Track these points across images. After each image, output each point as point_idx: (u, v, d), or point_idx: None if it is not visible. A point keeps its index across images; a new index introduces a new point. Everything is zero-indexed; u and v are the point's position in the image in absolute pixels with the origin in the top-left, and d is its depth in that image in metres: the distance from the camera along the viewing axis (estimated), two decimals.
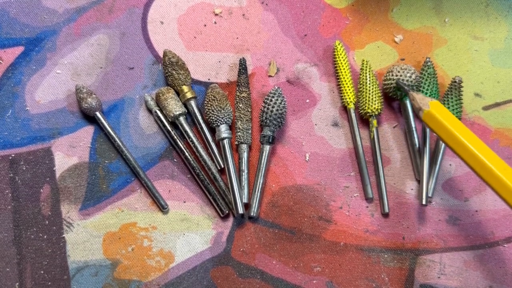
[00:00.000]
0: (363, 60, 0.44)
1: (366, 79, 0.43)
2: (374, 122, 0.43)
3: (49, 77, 0.44)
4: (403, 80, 0.42)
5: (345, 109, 0.45)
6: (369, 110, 0.43)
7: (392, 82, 0.43)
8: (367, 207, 0.43)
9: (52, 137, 0.43)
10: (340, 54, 0.44)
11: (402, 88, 0.41)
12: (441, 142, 0.43)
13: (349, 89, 0.43)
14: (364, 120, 0.45)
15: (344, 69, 0.44)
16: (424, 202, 0.42)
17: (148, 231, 0.42)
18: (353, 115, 0.43)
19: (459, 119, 0.43)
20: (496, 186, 0.35)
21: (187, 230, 0.42)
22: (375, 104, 0.43)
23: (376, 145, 0.43)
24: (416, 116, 0.40)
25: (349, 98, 0.43)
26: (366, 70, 0.44)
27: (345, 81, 0.44)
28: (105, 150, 0.43)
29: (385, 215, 0.43)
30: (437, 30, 0.46)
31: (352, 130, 0.44)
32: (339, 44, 0.44)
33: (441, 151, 0.43)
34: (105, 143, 0.43)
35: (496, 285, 0.42)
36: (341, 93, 0.44)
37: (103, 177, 0.43)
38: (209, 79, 0.45)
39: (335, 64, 0.45)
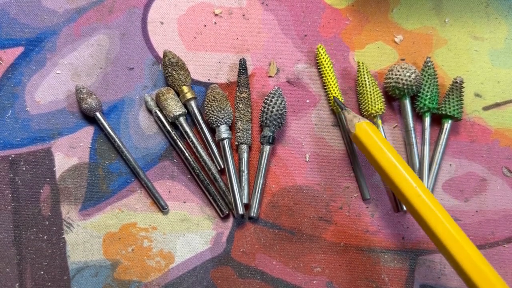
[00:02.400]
0: (359, 62, 0.44)
1: (365, 80, 0.43)
2: (379, 122, 0.43)
3: (49, 77, 0.44)
4: (402, 79, 0.42)
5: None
6: (373, 111, 0.43)
7: (392, 81, 0.43)
8: (367, 207, 0.43)
9: (52, 137, 0.43)
10: (323, 57, 0.44)
11: (338, 104, 0.41)
12: (440, 142, 0.43)
13: (335, 93, 0.43)
14: None
15: (328, 72, 0.44)
16: None
17: (148, 231, 0.42)
18: (342, 118, 0.43)
19: (460, 119, 0.43)
20: (410, 209, 0.36)
21: (187, 231, 0.42)
22: (378, 104, 0.43)
23: None
24: (348, 133, 0.40)
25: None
26: (363, 71, 0.44)
27: (331, 85, 0.43)
28: (105, 151, 0.43)
29: (405, 212, 0.43)
30: (437, 30, 0.46)
31: (344, 134, 0.44)
32: (320, 48, 0.44)
33: (441, 151, 0.43)
34: (105, 144, 0.43)
35: None
36: (328, 98, 0.44)
37: (103, 178, 0.43)
38: (209, 80, 0.45)
39: (319, 68, 0.44)
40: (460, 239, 0.34)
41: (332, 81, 0.43)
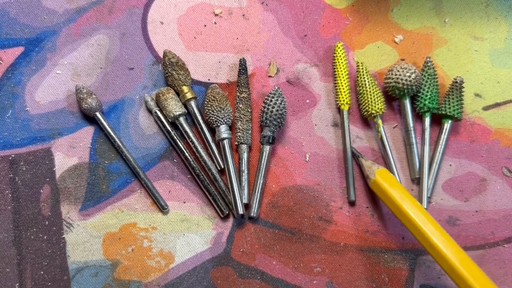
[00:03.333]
0: (358, 62, 0.44)
1: (365, 80, 0.43)
2: (380, 122, 0.43)
3: (49, 77, 0.44)
4: (402, 79, 0.42)
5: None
6: (373, 111, 0.43)
7: (392, 81, 0.43)
8: (367, 207, 0.43)
9: (52, 137, 0.43)
10: (339, 55, 0.44)
11: (354, 153, 0.43)
12: (440, 142, 0.43)
13: (344, 91, 0.43)
14: (364, 122, 0.45)
15: (341, 71, 0.44)
16: (424, 206, 0.42)
17: (148, 231, 0.42)
18: (345, 116, 0.43)
19: (460, 119, 0.43)
20: (436, 258, 0.36)
21: (187, 231, 0.42)
22: (378, 104, 0.43)
23: (386, 143, 0.43)
24: (366, 179, 0.41)
25: (344, 100, 0.43)
26: (362, 72, 0.44)
27: (341, 83, 0.44)
28: (105, 151, 0.43)
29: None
30: (437, 30, 0.46)
31: (343, 132, 0.44)
32: (339, 45, 0.44)
33: (441, 151, 0.43)
34: (105, 144, 0.43)
35: (497, 285, 0.42)
36: (337, 95, 0.44)
37: (103, 178, 0.43)
38: (209, 80, 0.45)
39: (334, 64, 0.45)
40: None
41: (344, 80, 0.43)
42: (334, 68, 0.44)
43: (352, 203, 0.43)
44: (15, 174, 0.42)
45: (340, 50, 0.44)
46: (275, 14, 0.46)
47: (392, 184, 0.39)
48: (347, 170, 0.43)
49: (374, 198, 0.43)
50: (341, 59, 0.44)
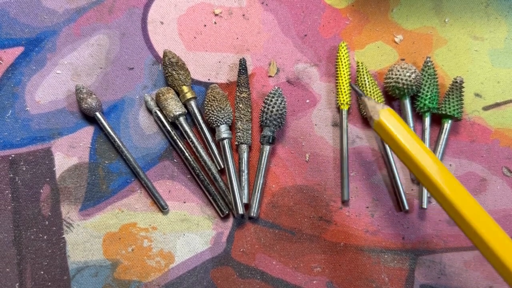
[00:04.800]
0: (358, 62, 0.44)
1: (365, 80, 0.43)
2: None
3: (49, 77, 0.44)
4: (402, 79, 0.42)
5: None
6: None
7: (392, 81, 0.43)
8: (367, 207, 0.43)
9: (52, 137, 0.43)
10: (343, 55, 0.44)
11: (355, 90, 0.38)
12: (440, 141, 0.43)
13: (345, 91, 0.43)
14: (364, 121, 0.45)
15: (343, 71, 0.44)
16: (425, 206, 0.42)
17: (148, 231, 0.42)
18: (344, 116, 0.43)
19: (460, 119, 0.43)
20: (441, 201, 0.33)
21: (187, 231, 0.42)
22: None
23: (385, 143, 0.43)
24: (370, 120, 0.37)
25: (343, 100, 0.43)
26: (362, 72, 0.44)
27: (343, 82, 0.44)
28: (105, 151, 0.43)
29: (405, 212, 0.43)
30: (437, 30, 0.46)
31: (341, 132, 0.44)
32: (343, 45, 0.44)
33: (441, 151, 0.43)
34: (105, 144, 0.43)
35: (497, 285, 0.42)
36: (337, 94, 0.44)
37: (103, 178, 0.43)
38: (209, 79, 0.45)
39: (336, 64, 0.45)
40: (493, 228, 0.32)
41: (345, 80, 0.43)
42: (337, 68, 0.44)
43: (345, 203, 0.43)
44: (15, 174, 0.42)
45: (344, 50, 0.44)
46: (275, 14, 0.46)
47: (397, 125, 0.35)
48: (343, 170, 0.43)
49: (374, 197, 0.43)
50: (344, 59, 0.44)
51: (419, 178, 0.34)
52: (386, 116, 0.35)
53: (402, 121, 0.35)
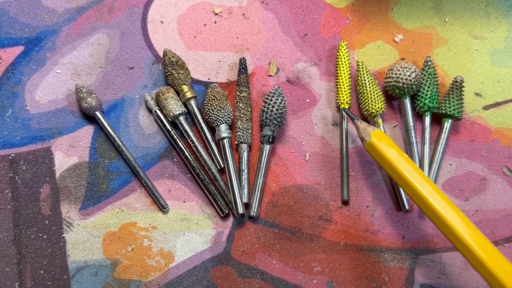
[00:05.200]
0: (358, 61, 0.44)
1: (365, 80, 0.43)
2: (380, 121, 0.43)
3: (49, 76, 0.44)
4: (402, 78, 0.42)
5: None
6: (373, 110, 0.43)
7: (392, 80, 0.43)
8: (367, 206, 0.43)
9: (52, 136, 0.43)
10: (343, 54, 0.44)
11: (348, 115, 0.41)
12: (440, 141, 0.43)
13: (345, 91, 0.43)
14: (364, 121, 0.45)
15: (343, 70, 0.44)
16: None
17: (148, 230, 0.42)
18: (344, 115, 0.43)
19: (460, 118, 0.43)
20: (434, 220, 0.35)
21: (187, 230, 0.42)
22: (378, 103, 0.43)
23: None
24: (362, 141, 0.39)
25: (343, 99, 0.43)
26: (362, 71, 0.44)
27: (343, 82, 0.44)
28: (105, 150, 0.43)
29: (405, 212, 0.43)
30: (437, 29, 0.46)
31: (341, 131, 0.44)
32: (343, 44, 0.44)
33: (441, 151, 0.43)
34: (105, 143, 0.43)
35: None
36: (337, 94, 0.44)
37: (103, 177, 0.43)
38: (209, 79, 0.45)
39: (336, 63, 0.45)
40: (481, 240, 0.34)
41: (345, 79, 0.43)
42: (337, 67, 0.44)
43: (345, 202, 0.43)
44: (15, 173, 0.42)
45: (344, 50, 0.44)
46: (275, 13, 0.46)
47: (388, 145, 0.37)
48: (343, 169, 0.43)
49: (374, 197, 0.43)
50: (344, 58, 0.44)
51: (410, 196, 0.36)
52: (377, 137, 0.38)
53: (392, 142, 0.38)
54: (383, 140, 0.38)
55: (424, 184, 0.35)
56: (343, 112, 0.42)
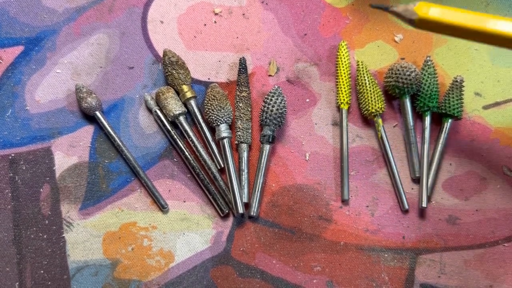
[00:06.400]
0: (358, 61, 0.44)
1: (365, 79, 0.43)
2: (380, 121, 0.43)
3: (49, 76, 0.44)
4: (402, 78, 0.42)
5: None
6: (373, 110, 0.43)
7: (392, 80, 0.43)
8: (367, 206, 0.43)
9: (52, 136, 0.43)
10: (343, 54, 0.44)
11: (379, 7, 0.37)
12: (440, 141, 0.43)
13: (345, 91, 0.43)
14: (364, 121, 0.45)
15: (343, 70, 0.44)
16: (424, 205, 0.42)
17: (148, 230, 0.42)
18: (344, 115, 0.43)
19: (460, 118, 0.43)
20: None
21: (187, 230, 0.42)
22: (378, 103, 0.43)
23: (386, 143, 0.43)
24: (411, 23, 0.35)
25: (343, 99, 0.43)
26: (362, 71, 0.44)
27: (343, 82, 0.44)
28: (105, 150, 0.43)
29: (405, 212, 0.43)
30: None
31: (341, 131, 0.44)
32: (343, 44, 0.44)
33: (441, 150, 0.43)
34: (105, 143, 0.43)
35: (497, 284, 0.42)
36: (337, 94, 0.44)
37: (103, 177, 0.43)
38: (209, 79, 0.45)
39: (336, 63, 0.45)
40: None
41: (345, 79, 0.43)
42: (337, 67, 0.44)
43: (345, 202, 0.43)
44: (15, 173, 0.42)
45: (344, 49, 0.44)
46: (275, 13, 0.46)
47: (439, 9, 0.34)
48: (343, 169, 0.43)
49: (374, 197, 0.43)
50: (344, 58, 0.44)
51: (486, 41, 0.33)
52: (422, 10, 0.34)
53: (436, 5, 0.34)
54: (429, 8, 0.34)
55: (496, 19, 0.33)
56: (374, 6, 0.37)
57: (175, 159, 0.43)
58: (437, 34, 0.46)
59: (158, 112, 0.43)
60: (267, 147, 0.42)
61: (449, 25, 0.34)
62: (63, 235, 0.42)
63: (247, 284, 0.42)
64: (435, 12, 0.34)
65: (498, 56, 0.46)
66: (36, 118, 0.43)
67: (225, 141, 0.42)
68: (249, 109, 0.43)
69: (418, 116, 0.44)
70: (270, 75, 0.45)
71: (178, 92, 0.43)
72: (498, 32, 0.33)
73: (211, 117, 0.42)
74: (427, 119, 0.43)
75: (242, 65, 0.44)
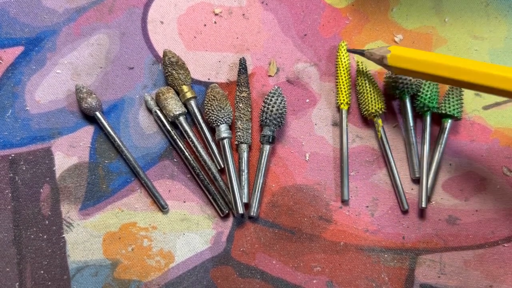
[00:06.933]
0: (358, 62, 0.44)
1: (365, 80, 0.43)
2: (380, 121, 0.43)
3: (49, 77, 0.44)
4: (402, 78, 0.42)
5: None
6: (373, 110, 0.43)
7: (391, 80, 0.43)
8: (367, 206, 0.43)
9: (52, 137, 0.43)
10: (342, 55, 0.44)
11: (356, 52, 0.41)
12: (440, 141, 0.43)
13: (345, 91, 0.43)
14: (364, 121, 0.45)
15: (343, 70, 0.44)
16: (424, 205, 0.42)
17: (148, 231, 0.42)
18: (344, 116, 0.43)
19: (460, 118, 0.43)
20: (484, 81, 0.34)
21: (187, 230, 0.42)
22: (378, 103, 0.43)
23: (386, 143, 0.43)
24: (382, 65, 0.40)
25: (343, 100, 0.43)
26: (362, 71, 0.44)
27: (342, 82, 0.44)
28: (105, 150, 0.43)
29: (405, 212, 0.43)
30: (437, 29, 0.46)
31: (341, 132, 0.44)
32: (343, 44, 0.44)
33: (441, 151, 0.43)
34: (105, 143, 0.43)
35: (497, 284, 0.42)
36: (337, 94, 0.44)
37: (103, 177, 0.43)
38: (209, 79, 0.45)
39: (336, 64, 0.45)
40: None
41: (345, 79, 0.43)
42: (336, 68, 0.44)
43: (345, 202, 0.43)
44: (15, 173, 0.42)
45: (344, 50, 0.44)
46: (275, 13, 0.46)
47: (409, 49, 0.38)
48: (343, 169, 0.43)
49: (374, 197, 0.43)
50: (344, 58, 0.44)
51: (454, 77, 0.35)
52: (395, 48, 0.38)
53: (409, 48, 0.38)
54: (401, 48, 0.38)
55: (463, 60, 0.35)
56: (351, 50, 0.42)
57: (175, 160, 0.43)
58: (437, 34, 0.46)
59: (158, 112, 0.43)
60: (267, 148, 0.42)
61: (417, 72, 0.37)
62: (63, 235, 0.42)
63: (247, 285, 0.42)
64: (406, 52, 0.38)
65: (498, 56, 0.46)
66: (36, 118, 0.43)
67: (225, 141, 0.42)
68: (249, 110, 0.43)
69: (418, 116, 0.44)
70: (270, 76, 0.45)
71: (178, 93, 0.43)
72: (462, 79, 0.35)
73: (211, 117, 0.42)
74: (427, 120, 0.43)
75: (242, 66, 0.44)
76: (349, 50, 0.43)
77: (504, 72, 0.34)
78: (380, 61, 0.39)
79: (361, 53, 0.41)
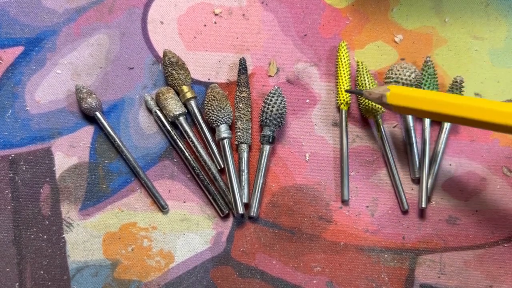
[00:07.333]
0: (358, 62, 0.44)
1: (365, 80, 0.43)
2: (380, 121, 0.43)
3: (49, 77, 0.44)
4: (402, 79, 0.42)
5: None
6: (373, 111, 0.43)
7: (392, 81, 0.43)
8: (367, 206, 0.43)
9: (52, 137, 0.43)
10: (343, 55, 0.44)
11: (354, 92, 0.41)
12: (440, 141, 0.43)
13: (345, 91, 0.43)
14: (364, 121, 0.45)
15: (343, 70, 0.44)
16: (424, 206, 0.42)
17: (148, 231, 0.42)
18: (344, 116, 0.43)
19: None
20: (486, 118, 0.34)
21: (187, 230, 0.42)
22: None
23: (386, 143, 0.43)
24: (381, 104, 0.39)
25: (343, 100, 0.43)
26: (362, 71, 0.44)
27: (342, 82, 0.44)
28: (105, 150, 0.43)
29: (405, 212, 0.43)
30: (437, 30, 0.46)
31: (341, 132, 0.44)
32: (343, 44, 0.44)
33: (441, 151, 0.43)
34: (105, 143, 0.43)
35: (497, 285, 0.42)
36: (337, 94, 0.44)
37: (103, 177, 0.43)
38: (209, 79, 0.45)
39: (336, 64, 0.45)
40: None
41: (345, 79, 0.43)
42: (337, 68, 0.44)
43: (345, 202, 0.43)
44: (15, 173, 0.42)
45: (344, 50, 0.44)
46: (275, 13, 0.46)
47: (408, 89, 0.37)
48: (343, 169, 0.43)
49: (374, 197, 0.43)
50: (344, 58, 0.44)
51: (457, 114, 0.35)
52: (394, 88, 0.38)
53: (409, 88, 0.38)
54: (400, 87, 0.38)
55: (465, 99, 0.35)
56: (349, 92, 0.42)
57: (175, 160, 0.43)
58: (437, 34, 0.46)
59: (158, 112, 0.43)
60: (267, 148, 0.42)
61: (417, 110, 0.37)
62: (63, 235, 0.42)
63: (247, 285, 0.42)
64: (405, 90, 0.37)
65: (498, 56, 0.46)
66: (36, 118, 0.43)
67: (225, 141, 0.42)
68: (249, 110, 0.43)
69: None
70: (270, 76, 0.45)
71: (178, 93, 0.43)
72: (462, 116, 0.35)
73: (211, 117, 0.42)
74: (427, 120, 0.43)
75: (242, 66, 0.44)
76: (346, 91, 0.42)
77: (506, 108, 0.33)
78: (379, 99, 0.38)
79: (360, 93, 0.40)
